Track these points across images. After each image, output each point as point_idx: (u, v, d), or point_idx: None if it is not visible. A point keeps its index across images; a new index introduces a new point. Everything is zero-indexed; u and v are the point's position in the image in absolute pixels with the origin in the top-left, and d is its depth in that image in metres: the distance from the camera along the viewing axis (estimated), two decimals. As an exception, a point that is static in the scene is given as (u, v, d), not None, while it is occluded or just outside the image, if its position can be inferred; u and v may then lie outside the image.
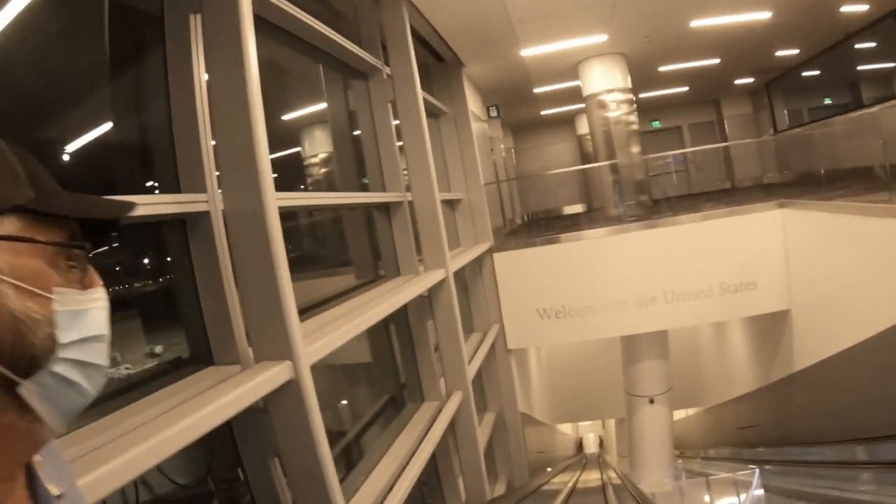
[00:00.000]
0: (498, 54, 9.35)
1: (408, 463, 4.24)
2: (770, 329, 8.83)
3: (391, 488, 3.88)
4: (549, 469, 11.18)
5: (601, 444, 21.95)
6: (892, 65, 11.22)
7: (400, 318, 5.43)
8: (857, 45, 11.80)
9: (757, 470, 7.30)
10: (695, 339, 13.47)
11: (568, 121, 18.01)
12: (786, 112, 15.55)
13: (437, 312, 5.67)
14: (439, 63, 8.49)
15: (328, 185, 5.32)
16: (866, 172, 7.99)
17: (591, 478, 10.60)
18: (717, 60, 12.58)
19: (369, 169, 5.46)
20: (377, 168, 5.43)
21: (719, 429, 12.35)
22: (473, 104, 9.69)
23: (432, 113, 7.90)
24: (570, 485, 8.99)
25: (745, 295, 8.11)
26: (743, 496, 7.28)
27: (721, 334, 12.09)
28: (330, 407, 4.57)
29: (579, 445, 21.23)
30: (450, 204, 8.07)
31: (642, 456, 10.51)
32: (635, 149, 10.96)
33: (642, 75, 11.58)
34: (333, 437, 3.51)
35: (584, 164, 15.65)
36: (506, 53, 9.43)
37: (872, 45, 11.50)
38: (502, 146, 15.10)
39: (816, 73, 14.03)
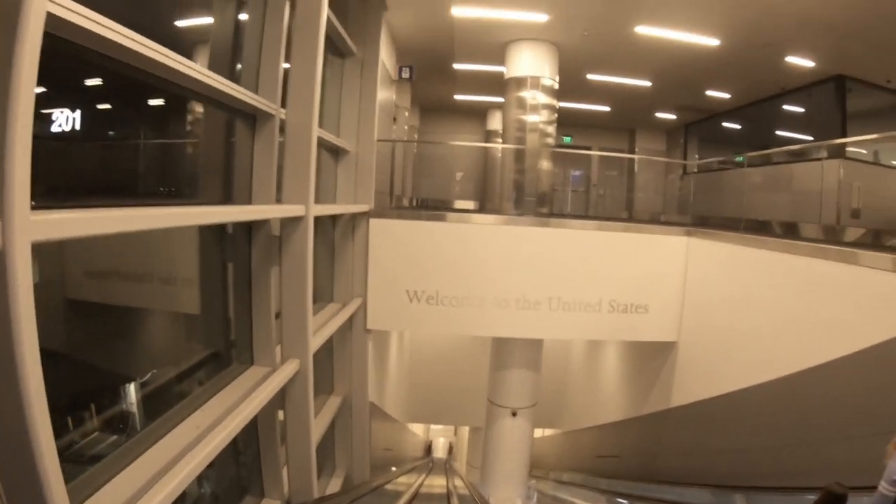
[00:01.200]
0: (426, 2, 8.44)
1: (206, 436, 3.15)
2: (651, 359, 8.46)
3: (173, 467, 2.79)
4: (394, 469, 10.28)
5: (451, 450, 21.41)
6: (809, 138, 11.26)
7: (241, 258, 4.31)
8: (786, 106, 11.85)
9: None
10: (568, 354, 13.08)
11: (479, 114, 17.28)
12: (697, 156, 15.64)
13: (285, 259, 4.61)
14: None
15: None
16: (765, 225, 7.93)
17: (437, 483, 10.08)
18: (648, 83, 12.30)
19: (245, 68, 4.29)
20: (254, 66, 4.27)
21: (577, 454, 11.97)
22: (386, 56, 8.68)
23: (338, 48, 6.85)
24: (414, 488, 8.36)
25: (635, 318, 7.69)
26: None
27: (597, 354, 11.71)
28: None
29: (428, 449, 20.58)
30: (333, 152, 7.00)
31: (496, 470, 9.79)
32: (546, 164, 10.37)
33: (569, 81, 11.02)
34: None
35: (487, 163, 14.99)
36: (435, 4, 8.52)
37: (800, 109, 11.58)
38: (406, 122, 14.06)
39: (737, 126, 14.11)
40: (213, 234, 4.25)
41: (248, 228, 4.30)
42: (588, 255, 7.67)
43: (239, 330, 4.42)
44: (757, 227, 7.82)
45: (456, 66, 11.89)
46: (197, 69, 3.12)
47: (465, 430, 19.79)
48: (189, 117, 4.10)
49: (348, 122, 7.25)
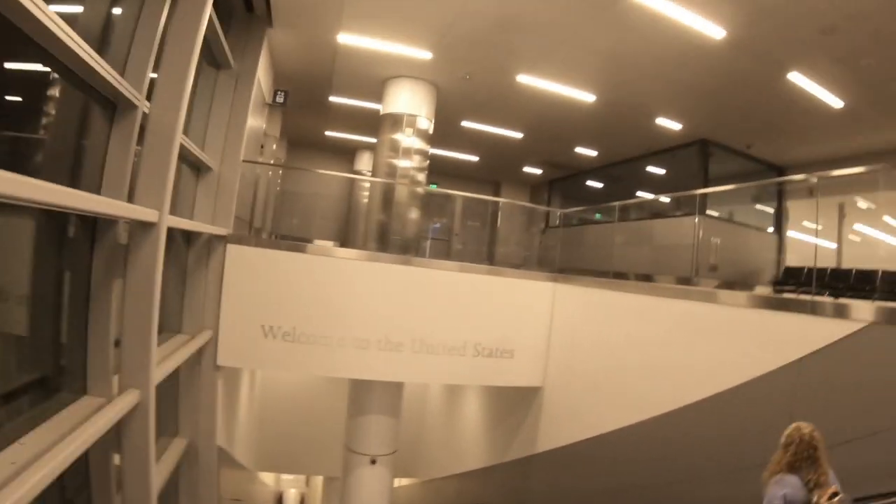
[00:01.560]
0: (314, 27, 8.17)
1: (22, 473, 2.52)
2: (515, 404, 8.44)
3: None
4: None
5: (302, 502, 19.93)
6: (665, 198, 11.76)
7: (79, 268, 3.66)
8: (651, 167, 12.58)
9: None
10: (425, 399, 12.76)
11: (349, 153, 16.99)
12: (559, 213, 16.28)
13: (131, 272, 4.02)
14: (247, 13, 7.18)
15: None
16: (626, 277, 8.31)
17: None
18: (520, 135, 12.66)
19: (113, 49, 3.74)
20: (124, 49, 3.75)
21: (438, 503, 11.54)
22: (263, 76, 8.25)
23: (214, 56, 6.39)
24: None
25: (500, 363, 7.67)
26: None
27: (456, 399, 11.51)
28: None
29: (279, 501, 19.00)
30: (195, 168, 6.43)
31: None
32: (414, 213, 10.29)
33: (443, 126, 11.10)
34: None
35: (350, 204, 14.66)
36: (322, 30, 8.27)
37: (664, 171, 12.27)
38: (273, 154, 13.45)
39: (601, 184, 14.81)
40: (49, 235, 3.56)
41: (92, 231, 3.68)
42: (453, 297, 7.60)
43: (71, 353, 3.72)
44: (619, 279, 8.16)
45: (332, 98, 11.62)
46: (58, 23, 2.63)
47: (318, 480, 18.54)
48: (40, 88, 3.44)
49: (214, 138, 6.71)
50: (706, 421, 5.23)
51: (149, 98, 3.96)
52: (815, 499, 3.27)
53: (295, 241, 11.45)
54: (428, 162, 10.57)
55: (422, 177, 10.52)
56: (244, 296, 6.88)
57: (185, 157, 5.64)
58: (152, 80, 4.00)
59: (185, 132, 4.68)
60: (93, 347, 3.72)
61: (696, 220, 8.10)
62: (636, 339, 6.27)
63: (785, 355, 4.64)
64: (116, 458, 3.96)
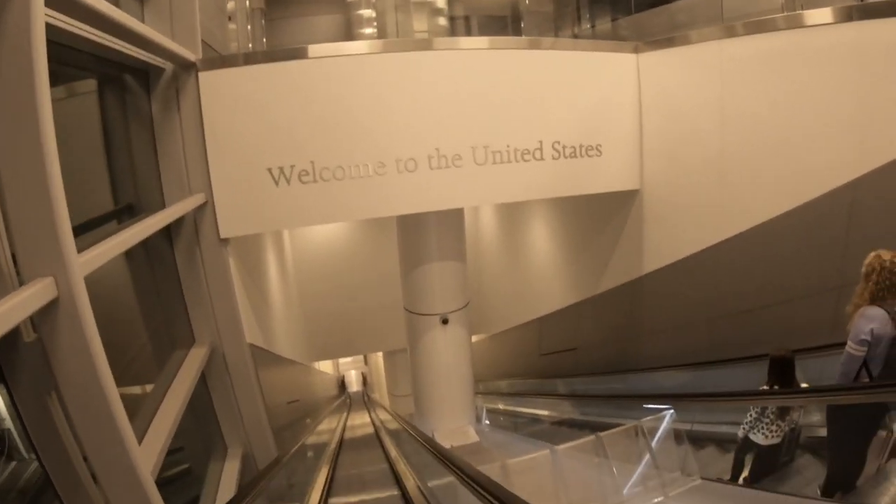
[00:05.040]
0: None
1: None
2: (601, 219, 6.69)
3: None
4: (308, 421, 8.07)
5: (364, 381, 19.27)
6: None
7: None
8: None
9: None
10: (477, 237, 11.00)
11: None
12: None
13: None
14: None
15: None
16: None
17: (358, 423, 8.59)
18: None
19: None
20: None
21: (515, 358, 10.12)
22: None
23: None
24: (338, 435, 6.91)
25: (587, 164, 5.84)
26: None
27: (517, 229, 9.67)
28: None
29: (342, 384, 18.31)
30: None
31: (433, 396, 7.74)
32: None
33: None
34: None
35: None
36: None
37: None
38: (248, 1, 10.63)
39: None
40: None
41: None
42: (516, 84, 5.52)
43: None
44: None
45: None
46: None
47: (378, 357, 17.48)
48: None
49: None
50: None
51: None
52: None
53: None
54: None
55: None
56: (237, 137, 4.88)
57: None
58: None
59: None
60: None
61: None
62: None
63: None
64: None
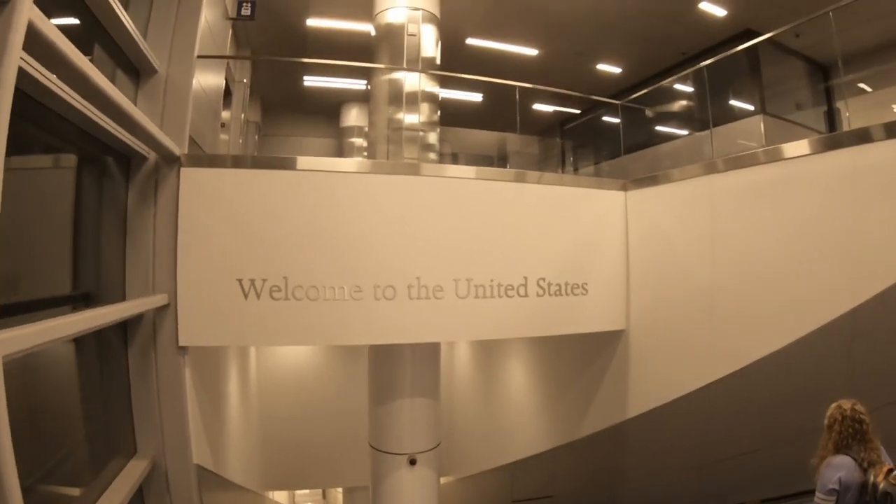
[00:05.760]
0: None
1: None
2: (583, 361, 6.34)
3: None
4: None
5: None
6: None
7: None
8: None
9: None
10: (451, 374, 10.52)
11: (333, 111, 14.49)
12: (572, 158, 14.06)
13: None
14: None
15: None
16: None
17: None
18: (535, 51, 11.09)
19: None
20: None
21: (490, 501, 9.34)
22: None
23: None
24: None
25: (573, 302, 5.65)
26: None
27: (492, 367, 9.28)
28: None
29: None
30: (132, 72, 4.21)
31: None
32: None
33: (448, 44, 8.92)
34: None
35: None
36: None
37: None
38: (244, 113, 10.93)
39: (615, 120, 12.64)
40: None
41: None
42: (500, 216, 5.45)
43: None
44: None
45: (310, 21, 9.50)
46: None
47: (338, 493, 16.27)
48: None
49: (159, 30, 4.54)
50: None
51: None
52: (871, 478, 3.20)
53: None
54: (439, 113, 8.30)
55: (433, 137, 8.24)
56: (211, 241, 4.64)
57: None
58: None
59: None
60: None
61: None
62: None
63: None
64: None
